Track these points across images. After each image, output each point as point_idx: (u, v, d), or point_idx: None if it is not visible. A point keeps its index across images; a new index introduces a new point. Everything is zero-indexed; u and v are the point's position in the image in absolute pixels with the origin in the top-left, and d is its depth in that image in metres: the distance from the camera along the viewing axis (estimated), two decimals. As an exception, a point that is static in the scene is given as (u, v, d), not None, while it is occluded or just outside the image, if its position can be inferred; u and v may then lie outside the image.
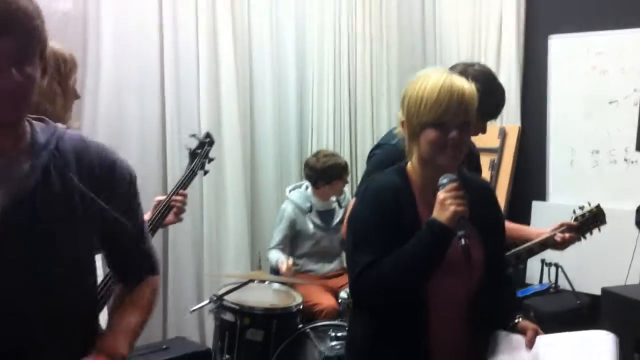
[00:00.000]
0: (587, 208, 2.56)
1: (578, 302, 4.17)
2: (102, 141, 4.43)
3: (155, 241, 4.14)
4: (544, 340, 1.86)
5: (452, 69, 2.53)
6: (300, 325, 3.42)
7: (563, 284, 4.34)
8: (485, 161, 4.87)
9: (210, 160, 2.54)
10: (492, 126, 4.91)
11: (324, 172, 4.11)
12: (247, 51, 4.64)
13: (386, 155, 2.26)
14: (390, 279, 1.77)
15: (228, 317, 3.36)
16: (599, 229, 2.57)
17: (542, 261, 4.47)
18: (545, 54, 4.72)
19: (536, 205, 4.72)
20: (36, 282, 1.35)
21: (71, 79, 2.07)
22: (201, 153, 2.50)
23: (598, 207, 2.56)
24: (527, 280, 4.68)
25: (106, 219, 1.46)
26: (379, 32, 5.11)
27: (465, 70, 2.46)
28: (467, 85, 1.84)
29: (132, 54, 4.09)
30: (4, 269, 1.31)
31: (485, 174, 4.86)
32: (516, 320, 1.92)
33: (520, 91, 4.90)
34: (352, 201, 2.27)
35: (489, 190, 2.10)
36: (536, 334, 1.87)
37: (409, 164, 1.96)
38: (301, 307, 3.47)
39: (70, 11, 3.86)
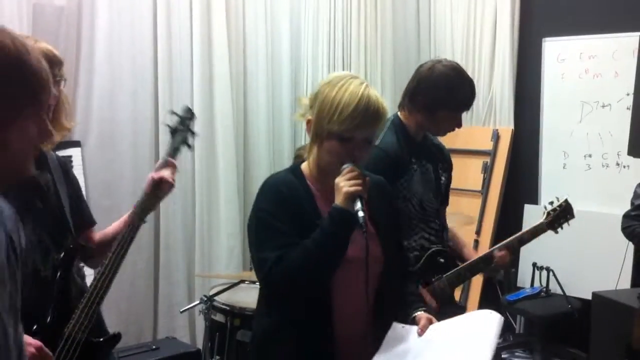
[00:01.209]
0: (556, 203, 2.64)
1: (569, 306, 4.17)
2: (95, 140, 4.42)
3: (146, 241, 4.19)
4: (436, 327, 1.89)
5: (421, 66, 2.55)
6: (291, 327, 3.40)
7: (554, 288, 4.35)
8: (477, 163, 4.90)
9: (193, 134, 2.41)
10: (485, 128, 4.95)
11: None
12: (241, 49, 4.62)
13: (377, 158, 2.27)
14: (299, 270, 1.77)
15: (218, 317, 3.34)
16: (569, 223, 2.63)
17: (534, 265, 4.48)
18: (540, 56, 4.72)
19: (528, 208, 4.73)
20: None
21: (60, 78, 2.06)
22: (183, 128, 2.38)
23: (566, 201, 2.64)
24: (519, 284, 4.69)
25: None
26: (373, 33, 5.09)
27: (433, 66, 2.51)
28: (381, 100, 1.84)
29: (125, 50, 4.09)
30: None
31: (478, 176, 4.87)
32: (415, 314, 1.94)
33: (513, 94, 4.90)
34: None
35: (385, 186, 2.10)
36: (430, 322, 1.89)
37: (304, 164, 1.97)
38: (292, 308, 3.45)
39: (65, 6, 3.84)
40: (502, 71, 4.86)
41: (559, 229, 2.65)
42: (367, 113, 1.79)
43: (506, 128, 4.88)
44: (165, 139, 4.09)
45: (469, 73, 4.73)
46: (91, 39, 3.94)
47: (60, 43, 3.83)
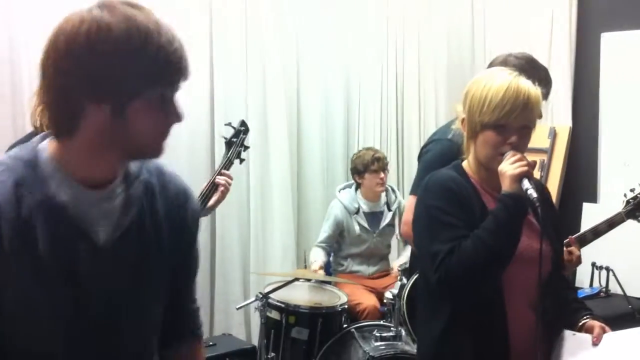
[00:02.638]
0: (638, 190, 2.52)
1: (630, 306, 4.06)
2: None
3: (203, 239, 4.27)
4: (612, 337, 1.83)
5: (493, 62, 2.52)
6: (345, 325, 3.42)
7: (614, 288, 4.24)
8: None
9: (246, 148, 2.52)
10: (542, 126, 4.85)
11: (359, 164, 4.17)
12: (294, 49, 4.65)
13: (442, 150, 2.26)
14: (474, 260, 1.74)
15: (274, 315, 3.39)
16: None
17: (593, 264, 4.38)
18: (598, 51, 4.60)
19: (587, 207, 4.62)
20: (136, 315, 1.34)
21: None
22: (237, 142, 2.49)
23: None
24: (577, 284, 4.59)
25: (176, 257, 1.42)
26: (427, 31, 5.07)
27: (505, 60, 2.47)
28: (532, 89, 1.84)
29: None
30: (111, 302, 1.29)
31: (535, 174, 4.77)
32: (583, 321, 1.89)
33: (571, 90, 4.79)
34: (411, 200, 2.25)
35: (544, 188, 2.11)
36: (603, 331, 1.84)
37: (465, 162, 1.96)
38: (346, 306, 3.48)
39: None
40: (560, 67, 4.75)
41: None
42: (517, 99, 1.79)
43: (564, 125, 4.78)
44: (219, 139, 4.24)
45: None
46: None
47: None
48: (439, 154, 2.31)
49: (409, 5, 5.03)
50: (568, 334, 1.86)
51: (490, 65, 2.55)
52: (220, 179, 2.34)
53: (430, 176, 1.97)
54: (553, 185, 4.73)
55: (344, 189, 4.30)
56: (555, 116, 4.82)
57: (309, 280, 3.67)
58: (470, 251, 1.75)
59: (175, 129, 4.07)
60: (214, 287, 4.35)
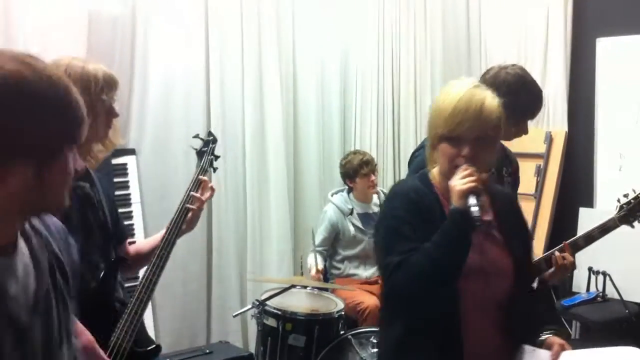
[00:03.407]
0: (632, 195, 2.51)
1: (626, 311, 4.07)
2: (149, 147, 4.52)
3: (198, 246, 4.27)
4: (570, 355, 1.85)
5: (487, 73, 2.52)
6: (342, 332, 3.41)
7: (611, 292, 4.24)
8: (531, 167, 4.82)
9: (217, 157, 2.59)
10: (538, 130, 4.86)
11: (349, 169, 4.23)
12: (290, 53, 4.66)
13: None
14: (419, 273, 1.75)
15: (270, 322, 3.38)
16: None
17: (590, 269, 4.38)
18: (593, 56, 4.62)
19: (583, 212, 4.62)
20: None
21: (105, 98, 2.06)
22: (207, 151, 2.55)
23: None
24: (574, 289, 4.59)
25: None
26: (422, 34, 5.08)
27: (498, 73, 2.47)
28: (488, 99, 1.82)
29: (178, 57, 4.17)
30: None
31: (531, 179, 4.79)
32: (545, 336, 1.90)
33: (567, 95, 4.80)
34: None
35: (514, 200, 2.11)
36: (562, 349, 1.85)
37: (431, 172, 1.95)
38: (342, 312, 3.47)
39: (119, 14, 3.94)
40: (555, 72, 4.77)
41: (636, 223, 2.54)
42: (467, 110, 1.78)
43: (560, 130, 4.79)
44: (217, 151, 4.24)
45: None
46: (145, 47, 4.03)
47: (116, 51, 3.94)
48: (425, 161, 2.30)
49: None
50: (528, 349, 1.87)
51: (483, 76, 2.54)
52: (191, 205, 2.34)
53: (393, 186, 2.00)
54: (549, 190, 4.74)
55: (336, 193, 4.33)
56: (551, 121, 4.83)
57: (305, 287, 3.66)
58: (416, 264, 1.75)
59: (172, 130, 4.04)
60: (210, 294, 4.34)
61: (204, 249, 4.29)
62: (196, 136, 2.66)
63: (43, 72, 1.14)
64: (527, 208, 4.73)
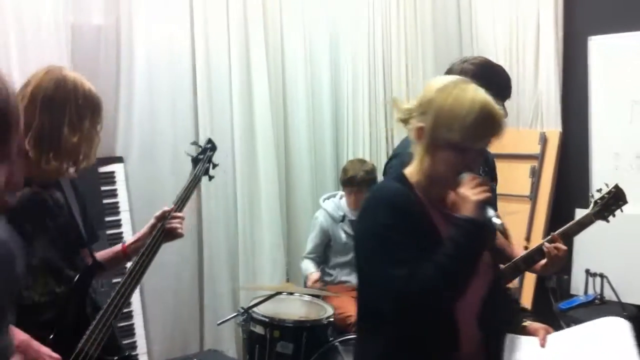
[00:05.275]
0: (605, 190, 2.49)
1: (625, 313, 4.00)
2: (137, 155, 4.48)
3: (190, 253, 4.23)
4: (557, 337, 1.84)
5: (449, 71, 2.47)
6: (332, 338, 3.37)
7: (609, 294, 4.18)
8: (525, 168, 4.77)
9: (215, 165, 2.52)
10: (532, 131, 4.81)
11: (341, 177, 4.20)
12: (279, 57, 4.63)
13: (404, 165, 2.20)
14: (438, 287, 1.68)
15: (258, 329, 3.34)
16: (621, 210, 2.49)
17: (587, 271, 4.33)
18: (585, 55, 4.56)
19: (579, 213, 4.53)
20: None
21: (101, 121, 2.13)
22: (204, 158, 2.49)
23: (617, 186, 2.50)
24: (572, 291, 4.54)
25: None
26: (413, 35, 5.04)
27: (462, 66, 2.43)
28: (502, 114, 1.78)
29: (164, 64, 4.13)
30: None
31: (526, 181, 4.74)
32: (524, 323, 1.89)
33: (560, 94, 4.75)
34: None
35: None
36: (546, 332, 1.85)
37: (407, 170, 1.87)
38: (332, 319, 3.42)
39: (102, 25, 3.92)
40: (547, 72, 4.72)
41: (611, 217, 2.49)
42: (490, 122, 1.73)
43: (554, 130, 4.73)
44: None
45: (513, 74, 4.60)
46: (130, 56, 3.99)
47: (100, 61, 3.91)
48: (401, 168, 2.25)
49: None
50: (513, 337, 1.85)
51: (449, 72, 2.49)
52: (174, 223, 2.30)
53: (376, 190, 1.91)
54: (545, 191, 4.69)
55: (327, 198, 4.27)
56: (545, 121, 4.78)
57: (292, 294, 3.62)
58: (432, 279, 1.68)
59: (159, 137, 3.99)
60: (202, 302, 4.29)
61: (195, 258, 4.26)
62: (194, 143, 2.61)
63: None
64: (522, 210, 4.70)
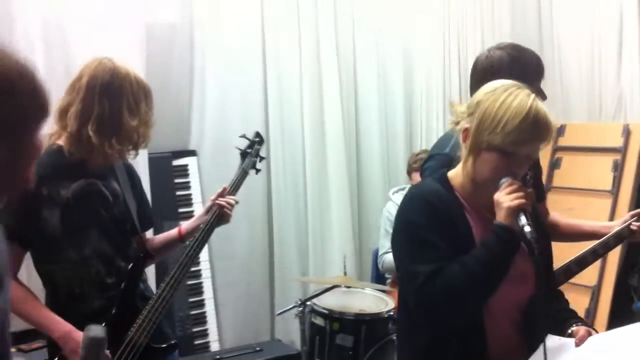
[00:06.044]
0: None
1: None
2: (209, 148, 4.60)
3: (260, 244, 4.32)
4: (597, 339, 1.75)
5: (475, 65, 2.39)
6: (392, 332, 3.36)
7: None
8: (607, 161, 4.57)
9: (262, 159, 2.56)
10: (615, 124, 4.60)
11: (409, 163, 4.22)
12: (350, 49, 4.62)
13: (440, 166, 2.17)
14: (460, 289, 1.67)
15: (319, 321, 3.37)
16: None
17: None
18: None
19: (664, 208, 4.33)
20: None
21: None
22: (252, 152, 2.53)
23: None
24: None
25: None
26: (490, 33, 4.93)
27: (490, 55, 2.34)
28: (550, 118, 1.71)
29: (235, 60, 4.23)
30: None
31: (608, 175, 4.54)
32: (572, 329, 1.80)
33: (645, 85, 4.53)
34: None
35: (540, 213, 2.03)
36: (589, 334, 1.75)
37: (451, 173, 1.86)
38: (392, 312, 3.41)
39: (177, 23, 4.06)
40: (631, 62, 4.50)
41: None
42: (535, 128, 1.68)
43: (637, 122, 4.50)
44: (275, 143, 4.28)
45: (595, 67, 4.41)
46: (203, 53, 4.11)
47: (174, 59, 4.06)
48: (435, 171, 2.21)
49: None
50: (553, 337, 1.77)
51: (475, 63, 2.41)
52: (222, 201, 2.37)
53: (413, 188, 1.90)
54: (627, 186, 4.47)
55: (397, 191, 4.24)
56: (629, 113, 4.57)
57: (349, 287, 3.63)
58: (456, 278, 1.66)
59: (231, 131, 4.06)
60: (273, 293, 4.39)
61: (266, 248, 4.35)
62: (243, 136, 2.65)
63: (10, 59, 1.14)
64: (602, 205, 4.50)
